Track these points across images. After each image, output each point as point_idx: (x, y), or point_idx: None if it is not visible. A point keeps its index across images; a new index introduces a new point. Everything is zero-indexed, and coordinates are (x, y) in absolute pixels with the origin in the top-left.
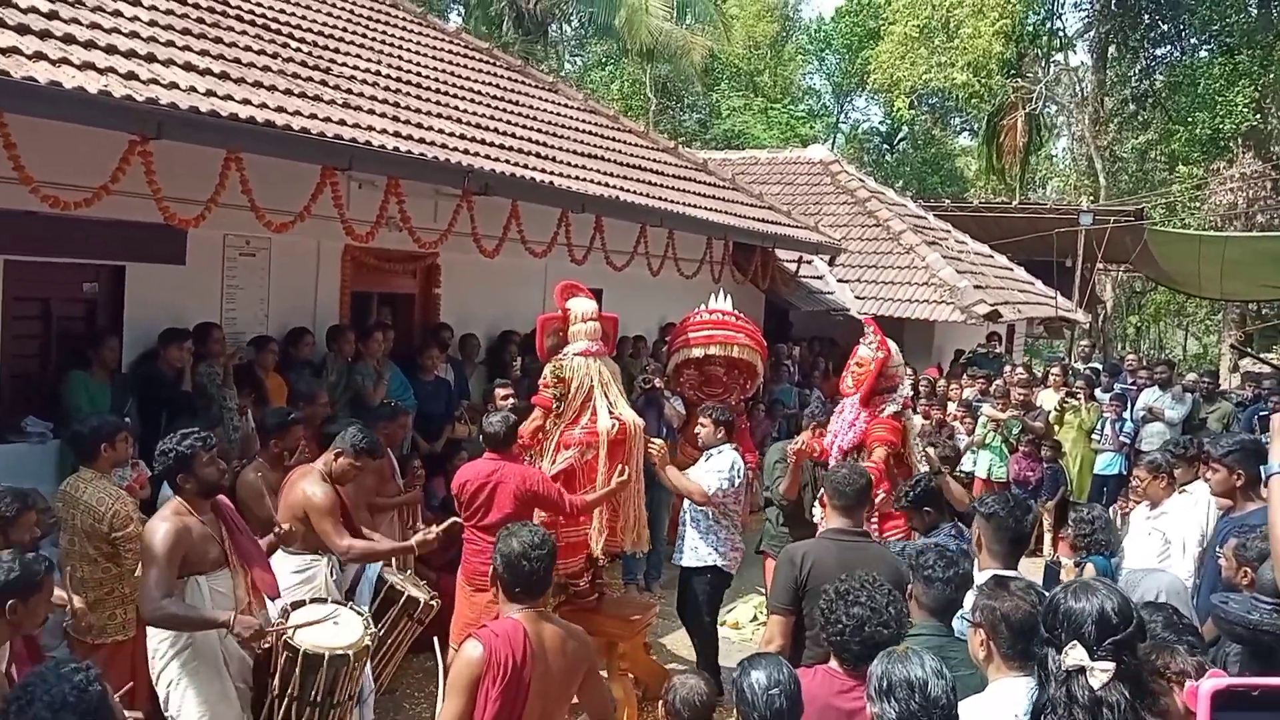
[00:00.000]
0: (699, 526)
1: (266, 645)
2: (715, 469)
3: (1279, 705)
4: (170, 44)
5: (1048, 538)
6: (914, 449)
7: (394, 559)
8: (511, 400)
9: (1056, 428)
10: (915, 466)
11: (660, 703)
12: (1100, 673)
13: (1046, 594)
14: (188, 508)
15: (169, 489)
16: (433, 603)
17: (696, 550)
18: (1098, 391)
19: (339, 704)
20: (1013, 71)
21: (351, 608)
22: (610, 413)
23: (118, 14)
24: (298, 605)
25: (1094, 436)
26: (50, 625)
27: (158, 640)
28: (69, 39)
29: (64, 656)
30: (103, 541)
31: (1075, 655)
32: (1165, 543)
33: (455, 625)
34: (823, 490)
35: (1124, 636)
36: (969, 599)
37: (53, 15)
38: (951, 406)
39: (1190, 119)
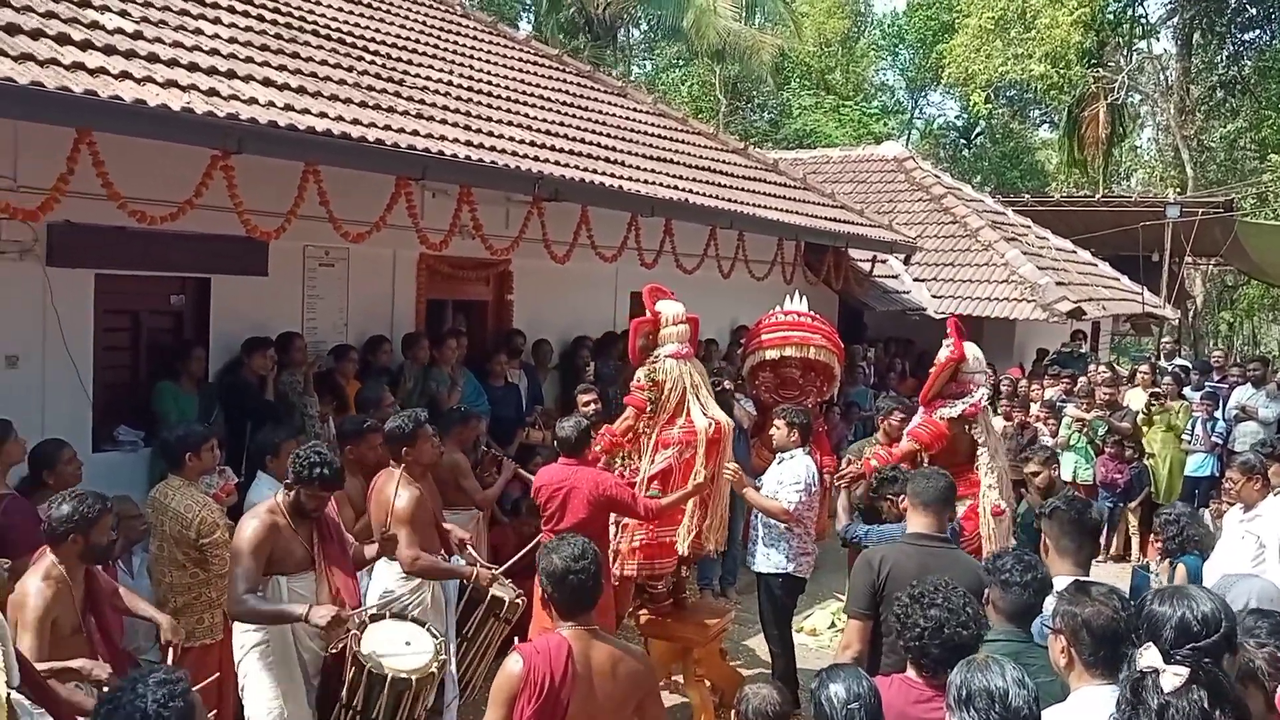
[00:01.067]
0: (771, 532)
1: (336, 650)
2: (790, 481)
3: None
4: (249, 60)
5: (1134, 541)
6: (982, 451)
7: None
8: (595, 406)
9: (1145, 428)
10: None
11: (733, 712)
12: (1173, 676)
13: (1130, 600)
14: (282, 509)
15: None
16: (518, 601)
17: (769, 556)
18: (1187, 390)
19: None
20: (1093, 61)
21: (430, 629)
22: (704, 413)
23: (199, 32)
24: (376, 618)
25: (1184, 437)
26: (145, 629)
27: (240, 634)
28: (153, 58)
29: (154, 663)
30: (190, 548)
31: (1148, 657)
32: (1260, 546)
33: (533, 631)
34: (903, 494)
35: (1207, 644)
36: (1049, 604)
37: (137, 35)
38: (1034, 408)
39: None
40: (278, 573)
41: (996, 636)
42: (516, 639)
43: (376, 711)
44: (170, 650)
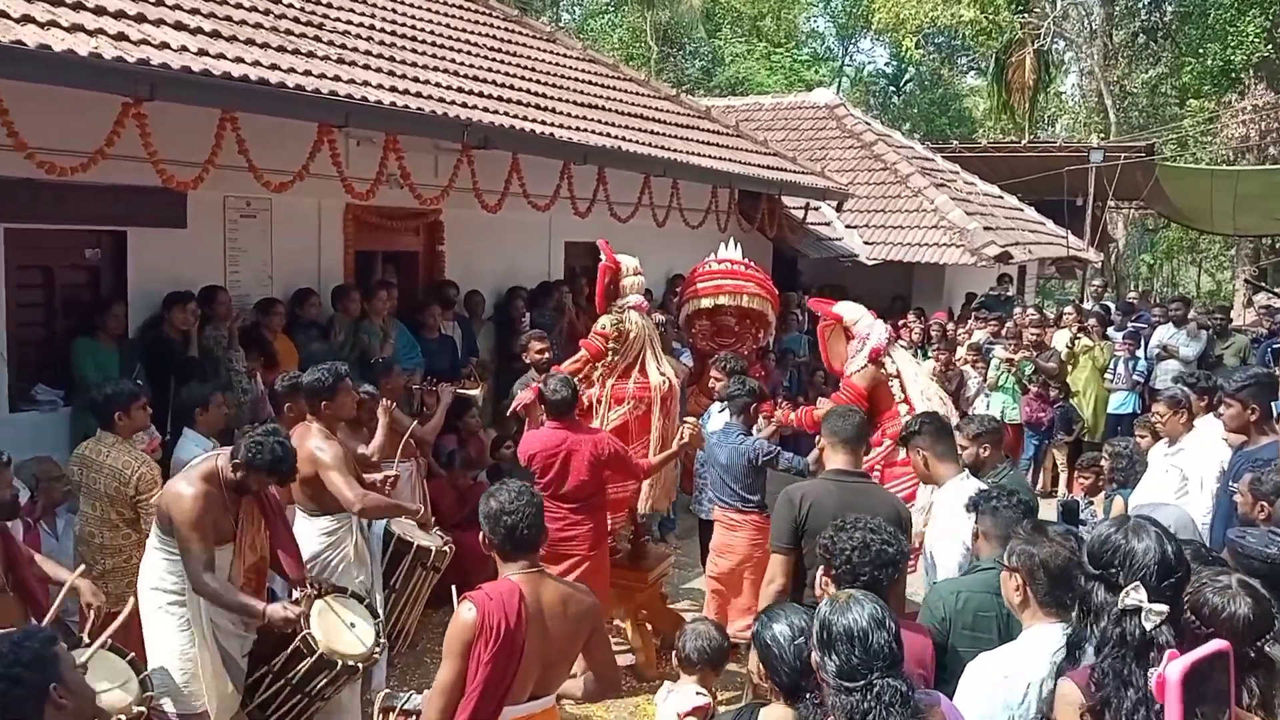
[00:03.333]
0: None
1: (285, 631)
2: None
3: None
4: (160, 3)
5: (1062, 477)
6: (904, 389)
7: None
8: (547, 354)
9: (1070, 367)
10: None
11: (673, 651)
12: (1155, 615)
13: (1083, 539)
14: (220, 481)
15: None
16: (445, 549)
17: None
18: (1110, 330)
19: (326, 699)
20: (1021, 7)
21: (369, 605)
22: (658, 369)
23: None
24: (325, 592)
25: (1107, 375)
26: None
27: (149, 591)
28: (57, 0)
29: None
30: (126, 506)
31: (1136, 596)
32: (1183, 479)
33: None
34: (822, 432)
35: (1177, 580)
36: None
37: None
38: (961, 350)
39: (1201, 51)
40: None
41: (988, 565)
42: (454, 588)
43: (312, 687)
44: (91, 612)
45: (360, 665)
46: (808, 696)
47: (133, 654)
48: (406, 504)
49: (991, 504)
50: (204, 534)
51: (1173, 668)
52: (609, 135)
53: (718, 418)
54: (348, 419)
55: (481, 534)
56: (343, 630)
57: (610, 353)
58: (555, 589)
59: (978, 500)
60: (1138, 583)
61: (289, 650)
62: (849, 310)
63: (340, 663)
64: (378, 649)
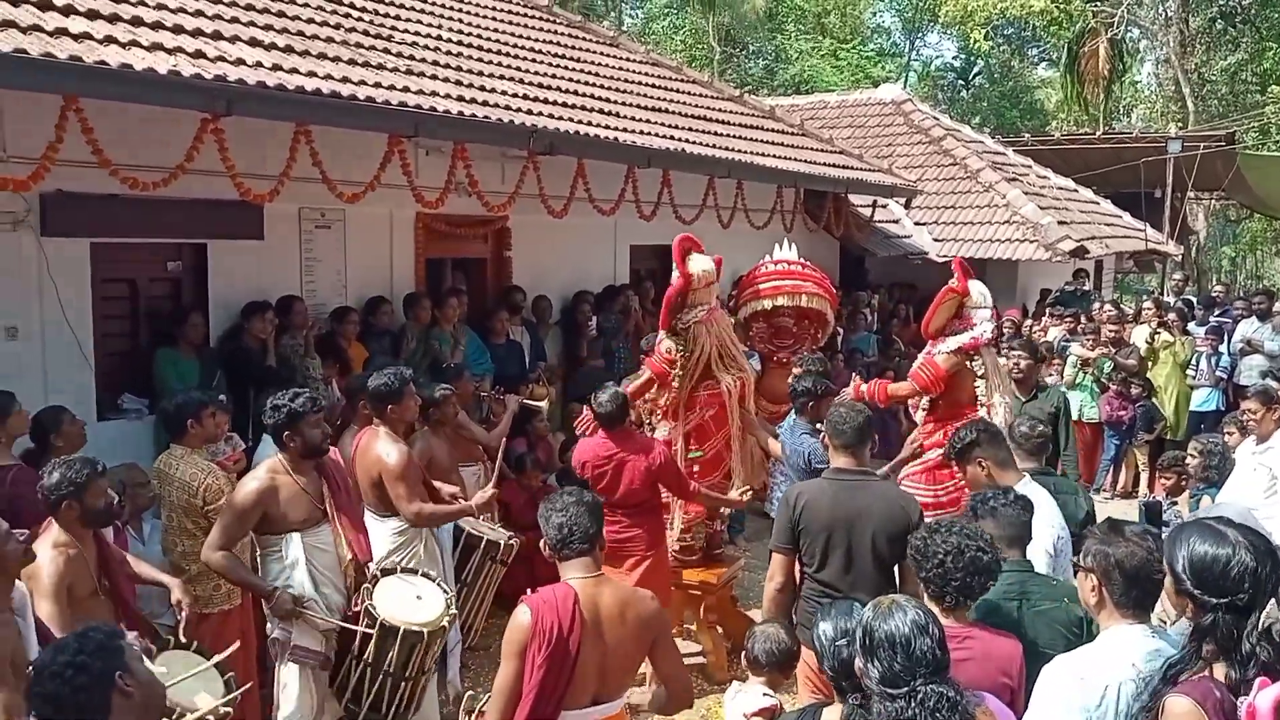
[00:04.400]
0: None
1: (354, 610)
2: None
3: None
4: (235, 20)
5: (1143, 477)
6: (985, 395)
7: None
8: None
9: (1150, 364)
10: (983, 409)
11: (742, 653)
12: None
13: (1158, 537)
14: (285, 466)
15: (266, 451)
16: (512, 543)
17: None
18: (1191, 325)
19: (411, 678)
20: None
21: (439, 584)
22: (728, 373)
23: None
24: (387, 573)
25: (1189, 372)
26: (158, 594)
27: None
28: (136, 21)
29: (169, 627)
30: (198, 516)
31: (1277, 612)
32: (1272, 478)
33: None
34: (823, 431)
35: None
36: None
37: None
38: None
39: None
40: (289, 530)
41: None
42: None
43: (388, 664)
44: (181, 610)
45: (426, 632)
46: (849, 699)
47: (219, 656)
48: (459, 507)
49: (990, 505)
50: (240, 519)
51: (1264, 697)
52: (673, 138)
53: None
54: (412, 421)
55: (542, 541)
56: (408, 603)
57: (675, 377)
58: (614, 594)
59: (975, 506)
60: (1274, 601)
61: (360, 631)
62: (977, 291)
63: (401, 629)
64: (448, 620)
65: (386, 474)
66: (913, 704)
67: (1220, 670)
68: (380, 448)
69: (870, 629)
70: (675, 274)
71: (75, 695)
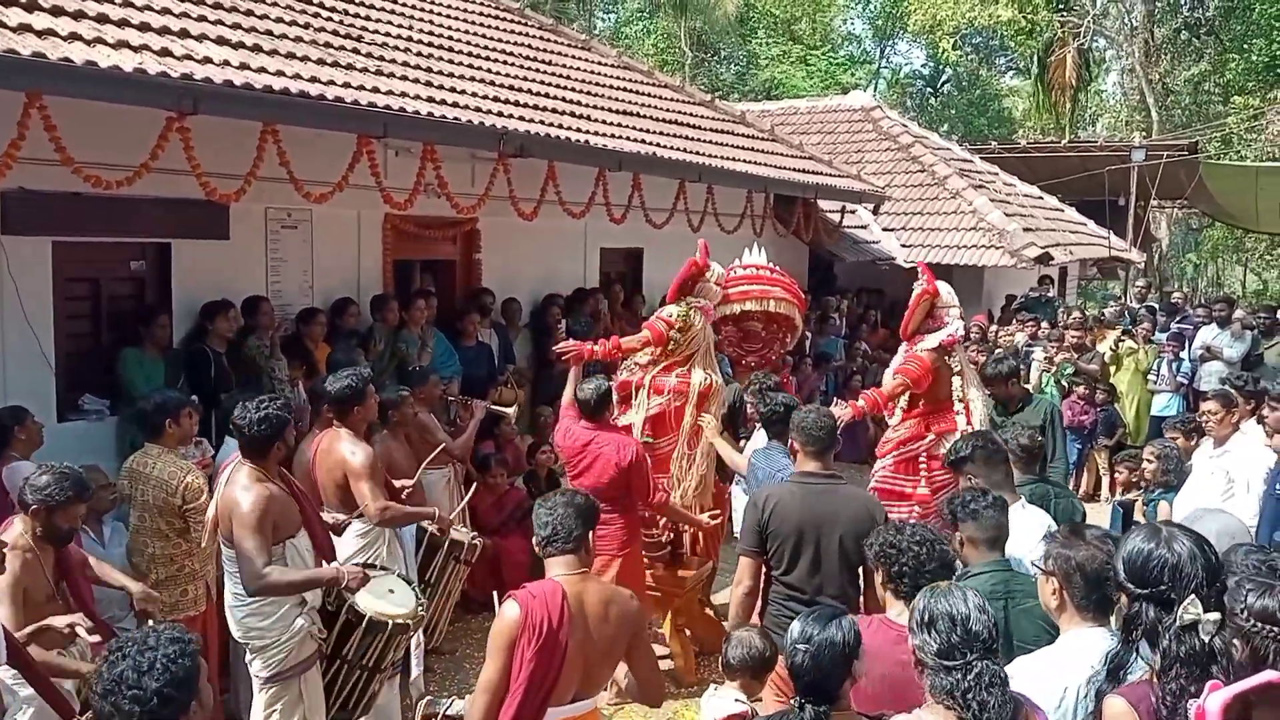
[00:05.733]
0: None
1: (329, 609)
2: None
3: None
4: (202, 19)
5: (1105, 481)
6: (960, 390)
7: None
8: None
9: (1112, 369)
10: (961, 408)
11: (715, 657)
12: (1211, 624)
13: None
14: (263, 473)
15: (226, 454)
16: (475, 542)
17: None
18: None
19: (383, 670)
20: (1060, 5)
21: (401, 577)
22: (703, 370)
23: None
24: (385, 570)
25: (1150, 377)
26: (119, 598)
27: (259, 666)
28: (102, 18)
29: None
30: (175, 516)
31: (1194, 610)
32: (1229, 481)
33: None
34: (792, 436)
35: (1222, 583)
36: (1040, 547)
37: None
38: (998, 353)
39: (1245, 46)
40: (285, 537)
41: (982, 568)
42: (495, 593)
43: (368, 658)
44: (146, 618)
45: (410, 624)
46: (791, 701)
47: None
48: (423, 510)
49: (970, 508)
50: (262, 532)
51: (1213, 699)
52: (644, 142)
53: (760, 436)
54: (372, 421)
55: (534, 539)
56: (383, 596)
57: (671, 341)
58: (598, 590)
59: (955, 509)
60: (1193, 596)
61: (338, 626)
62: (945, 291)
63: (390, 623)
64: (422, 609)
65: (352, 474)
66: (968, 677)
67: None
68: (344, 448)
69: (929, 606)
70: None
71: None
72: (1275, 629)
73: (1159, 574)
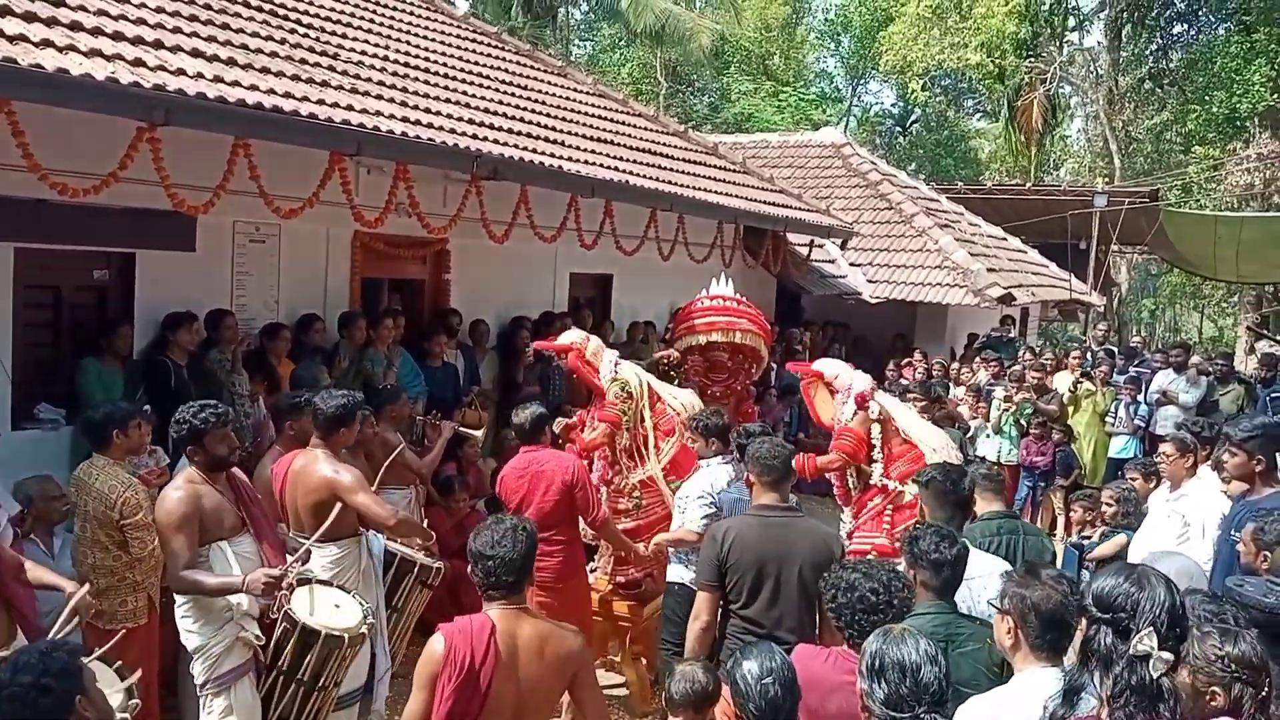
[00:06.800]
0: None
1: (272, 616)
2: (696, 496)
3: None
4: (177, 30)
5: (1060, 521)
6: (909, 426)
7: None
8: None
9: (1070, 410)
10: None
11: (664, 694)
12: (1162, 662)
13: (1075, 581)
14: (200, 475)
15: (185, 462)
16: (438, 565)
17: (672, 565)
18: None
19: (323, 689)
20: (1028, 52)
21: (355, 597)
22: (674, 399)
23: (125, 0)
24: (303, 583)
25: (1108, 420)
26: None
27: (200, 665)
28: (75, 26)
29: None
30: (113, 529)
31: (1149, 643)
32: (1185, 525)
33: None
34: (747, 468)
35: (1182, 630)
36: (996, 585)
37: (59, 2)
38: (960, 391)
39: (1206, 98)
40: (215, 539)
41: (926, 610)
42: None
43: (304, 671)
44: (81, 612)
45: (347, 637)
46: None
47: (120, 662)
48: (424, 528)
49: (932, 558)
50: (185, 532)
51: None
52: (617, 169)
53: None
54: (351, 446)
55: (469, 567)
56: (326, 609)
57: (624, 416)
58: (534, 628)
59: (912, 551)
60: (1151, 629)
61: (275, 636)
62: (828, 366)
63: (323, 633)
64: (366, 627)
65: (345, 491)
66: None
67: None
68: (325, 469)
69: (880, 653)
70: (566, 355)
71: (35, 717)
72: (1248, 672)
73: (1122, 603)
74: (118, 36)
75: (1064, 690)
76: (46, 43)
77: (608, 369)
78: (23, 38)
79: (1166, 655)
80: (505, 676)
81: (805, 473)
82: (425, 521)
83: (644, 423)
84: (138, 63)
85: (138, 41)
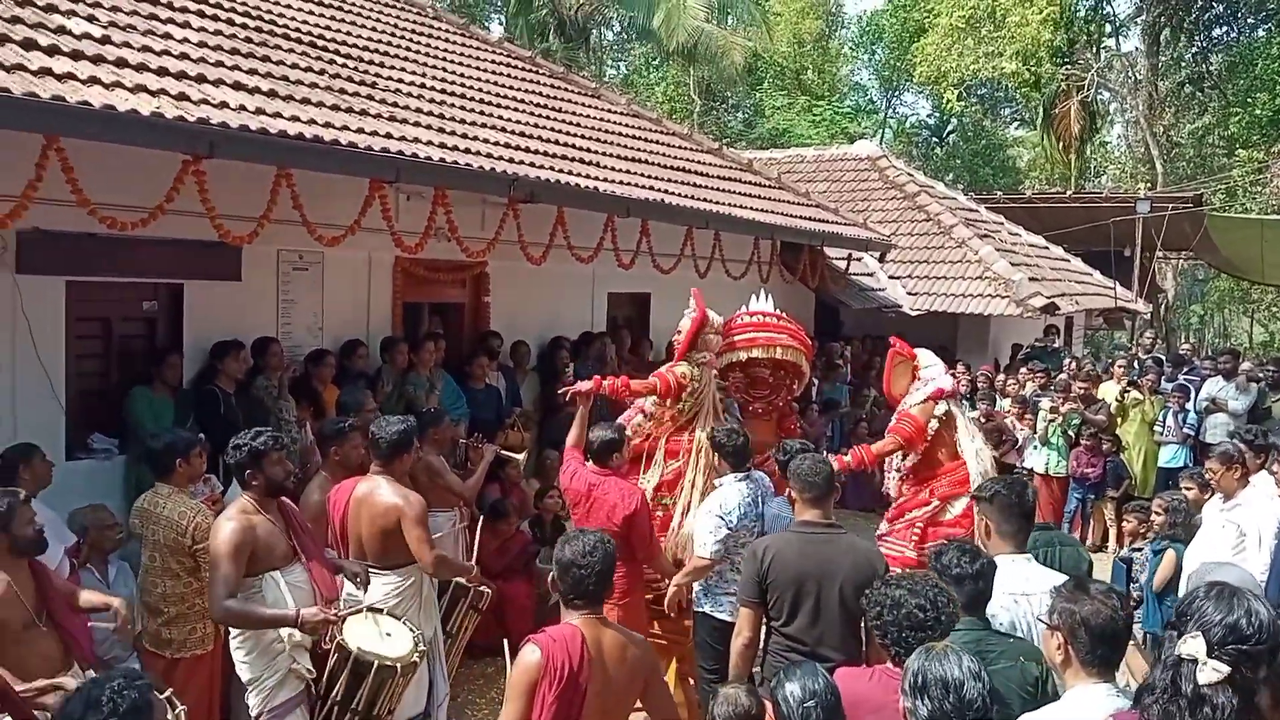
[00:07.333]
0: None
1: (324, 647)
2: (705, 518)
3: None
4: (219, 64)
5: (1112, 533)
6: (961, 441)
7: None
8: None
9: (1119, 421)
10: (963, 457)
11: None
12: (1211, 671)
13: (1124, 595)
14: (254, 505)
15: (236, 493)
16: (485, 589)
17: (699, 596)
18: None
19: (377, 717)
20: (1064, 59)
21: (405, 623)
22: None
23: (168, 36)
24: (355, 611)
25: (1156, 429)
26: (120, 639)
27: (254, 694)
28: (121, 63)
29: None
30: (185, 555)
31: (1192, 646)
32: (1240, 535)
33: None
34: (789, 485)
35: (1253, 649)
36: (1046, 600)
37: (105, 40)
38: (1006, 403)
39: (1249, 100)
40: (268, 569)
41: (956, 626)
42: (505, 641)
43: (358, 701)
44: (127, 626)
45: (399, 666)
46: None
47: (170, 690)
48: (467, 565)
49: (955, 572)
50: (233, 563)
51: None
52: (652, 189)
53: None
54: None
55: (551, 576)
56: (378, 638)
57: (684, 400)
58: (614, 635)
59: (936, 566)
60: (1197, 632)
61: (328, 667)
62: (925, 355)
63: (375, 662)
64: (417, 656)
65: (407, 520)
66: None
67: None
68: (392, 495)
69: (922, 670)
70: (691, 314)
71: None
72: None
73: (1186, 610)
74: (162, 72)
75: (1136, 691)
76: (93, 80)
77: (696, 357)
78: (71, 76)
79: (1219, 665)
80: (599, 680)
81: (865, 464)
82: (473, 544)
83: (670, 427)
84: (182, 97)
85: (181, 76)
